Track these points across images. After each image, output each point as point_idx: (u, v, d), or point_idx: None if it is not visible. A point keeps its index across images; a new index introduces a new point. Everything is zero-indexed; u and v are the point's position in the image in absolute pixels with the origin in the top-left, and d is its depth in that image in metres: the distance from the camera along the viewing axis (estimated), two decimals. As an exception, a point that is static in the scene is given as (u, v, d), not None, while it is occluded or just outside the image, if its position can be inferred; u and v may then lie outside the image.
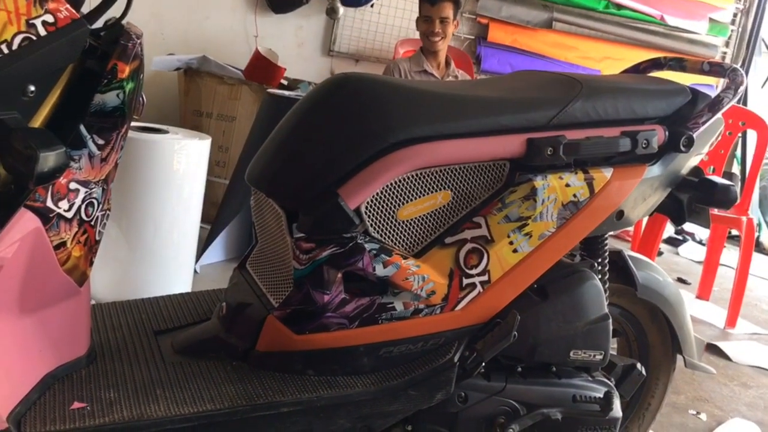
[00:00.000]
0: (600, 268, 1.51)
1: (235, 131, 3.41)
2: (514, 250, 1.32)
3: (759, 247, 5.35)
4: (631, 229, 4.69)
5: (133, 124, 2.52)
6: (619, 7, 4.89)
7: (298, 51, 4.23)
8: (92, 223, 1.13)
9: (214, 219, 2.94)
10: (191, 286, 2.63)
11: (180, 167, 2.37)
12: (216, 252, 3.01)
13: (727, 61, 5.23)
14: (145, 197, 2.34)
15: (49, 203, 1.03)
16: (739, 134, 4.74)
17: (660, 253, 4.75)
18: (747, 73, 5.13)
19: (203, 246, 2.90)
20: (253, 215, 1.44)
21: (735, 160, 5.43)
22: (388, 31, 4.42)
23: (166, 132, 2.45)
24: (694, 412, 2.43)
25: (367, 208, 1.23)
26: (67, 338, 1.18)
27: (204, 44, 3.87)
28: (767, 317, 3.84)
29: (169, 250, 2.46)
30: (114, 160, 1.13)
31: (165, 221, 2.41)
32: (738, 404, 2.58)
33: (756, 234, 4.81)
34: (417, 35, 3.85)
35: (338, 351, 1.26)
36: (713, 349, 3.09)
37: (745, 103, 5.20)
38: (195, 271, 2.83)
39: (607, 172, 1.38)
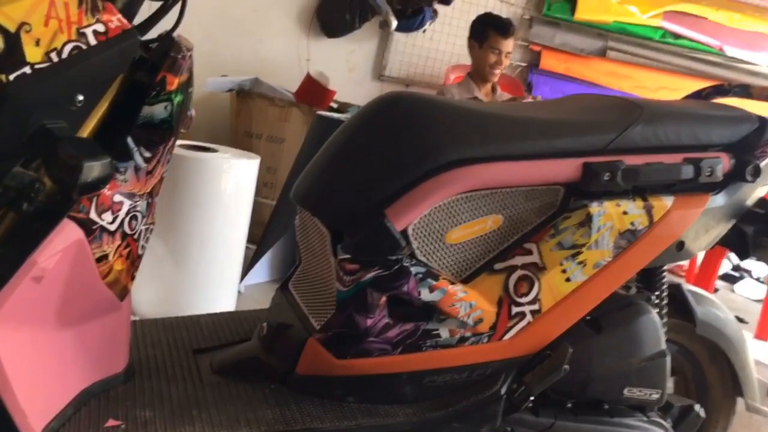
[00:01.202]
0: (658, 301, 1.44)
1: (284, 153, 3.41)
2: (567, 279, 1.26)
3: (822, 287, 5.11)
4: (685, 263, 4.54)
5: (183, 142, 2.56)
6: (676, 36, 4.79)
7: (349, 75, 4.24)
8: (135, 236, 1.11)
9: (259, 239, 2.93)
10: (235, 305, 2.62)
11: (228, 186, 2.37)
12: (261, 272, 3.00)
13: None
14: (192, 215, 2.34)
15: (93, 215, 1.02)
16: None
17: (715, 290, 4.58)
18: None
19: (248, 266, 2.89)
20: (297, 234, 1.41)
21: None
22: (438, 57, 4.41)
23: (215, 151, 2.46)
24: (753, 459, 2.29)
25: (414, 230, 1.19)
26: (105, 353, 1.17)
27: (257, 67, 3.90)
28: (831, 361, 3.64)
29: (214, 269, 2.45)
30: (160, 173, 1.12)
31: (211, 240, 2.40)
32: (800, 452, 2.43)
33: (819, 273, 4.60)
34: (466, 60, 3.82)
35: (380, 378, 1.21)
36: (773, 393, 2.93)
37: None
38: (239, 291, 2.82)
39: (668, 201, 1.32)
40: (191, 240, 2.37)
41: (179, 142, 2.56)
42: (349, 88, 4.07)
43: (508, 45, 3.24)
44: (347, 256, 1.18)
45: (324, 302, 1.27)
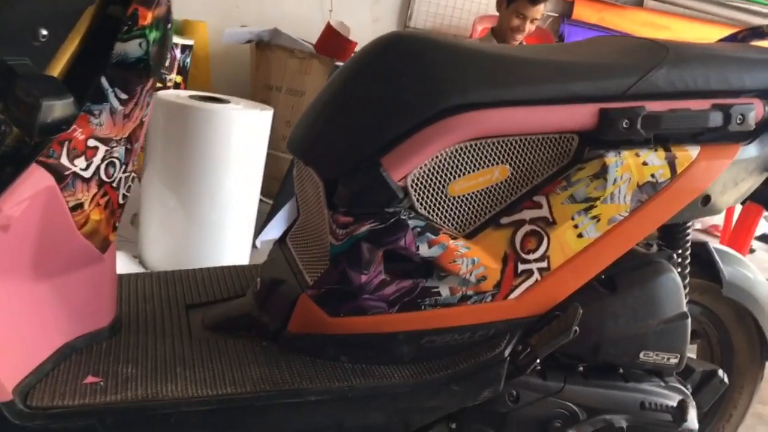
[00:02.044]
0: (680, 260, 1.34)
1: (304, 106, 3.32)
2: (579, 235, 1.17)
3: None
4: (720, 222, 4.38)
5: (193, 93, 2.49)
6: (720, -16, 4.55)
7: (374, 27, 4.11)
8: (114, 184, 1.05)
9: (276, 194, 2.87)
10: (249, 261, 2.57)
11: (239, 139, 2.31)
12: (278, 228, 2.95)
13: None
14: (202, 168, 2.29)
15: (64, 160, 0.95)
16: None
17: (752, 251, 4.42)
18: None
19: (264, 221, 2.84)
20: (295, 186, 1.34)
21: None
22: (466, 7, 4.25)
23: (227, 102, 2.39)
24: (783, 426, 2.20)
25: (413, 181, 1.11)
26: (88, 307, 1.11)
27: (278, 18, 3.80)
28: None
29: (227, 224, 2.41)
30: (138, 117, 1.05)
31: (222, 193, 2.35)
32: (834, 420, 2.32)
33: None
34: (494, 11, 3.67)
35: (375, 337, 1.14)
36: (808, 358, 2.81)
37: None
38: (255, 246, 2.78)
39: (693, 151, 1.21)
40: (202, 193, 2.32)
41: (190, 92, 2.49)
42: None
43: (536, 12, 3.06)
44: (341, 207, 1.11)
45: (318, 257, 1.20)
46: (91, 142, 0.99)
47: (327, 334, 1.14)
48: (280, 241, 1.35)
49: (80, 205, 1.00)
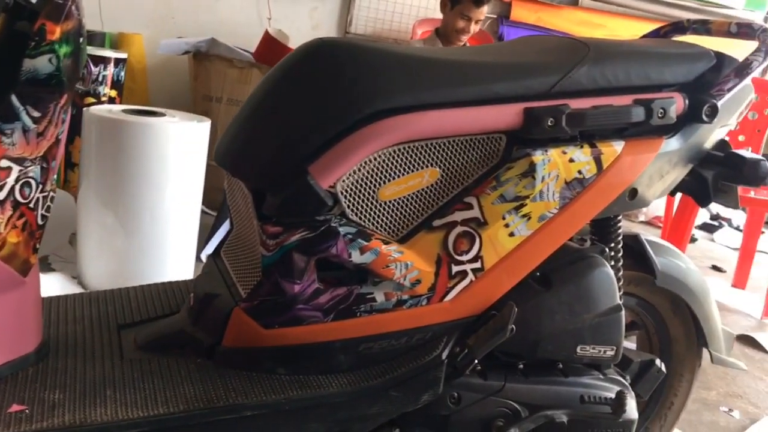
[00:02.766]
0: (612, 253, 1.36)
1: (245, 116, 3.29)
2: (511, 234, 1.18)
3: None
4: (661, 214, 4.49)
5: (127, 107, 2.44)
6: (651, -18, 4.66)
7: (313, 33, 4.09)
8: (31, 205, 1.01)
9: (220, 205, 2.83)
10: (194, 275, 2.53)
11: (177, 152, 2.26)
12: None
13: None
14: (140, 183, 2.23)
15: None
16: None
17: (694, 240, 4.54)
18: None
19: (209, 233, 2.80)
20: (227, 198, 1.32)
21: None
22: (405, 11, 4.26)
23: (162, 115, 2.35)
24: (726, 409, 2.26)
25: (343, 187, 1.10)
26: (11, 333, 1.08)
27: (216, 27, 3.75)
28: (809, 307, 3.61)
29: (169, 239, 2.36)
30: (54, 134, 1.02)
31: (163, 208, 2.30)
32: (775, 401, 2.39)
33: (797, 219, 4.55)
34: (434, 14, 3.68)
35: (311, 347, 1.13)
36: (749, 341, 2.90)
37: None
38: (200, 260, 2.73)
39: (618, 146, 1.23)
40: (141, 208, 2.26)
41: (123, 106, 2.44)
42: (314, 47, 3.93)
43: (480, 14, 3.09)
44: (271, 218, 1.09)
45: (251, 269, 1.18)
46: (4, 163, 0.95)
47: (262, 347, 1.13)
48: (214, 254, 1.33)
49: (-5, 229, 0.97)
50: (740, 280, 3.67)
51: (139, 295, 1.37)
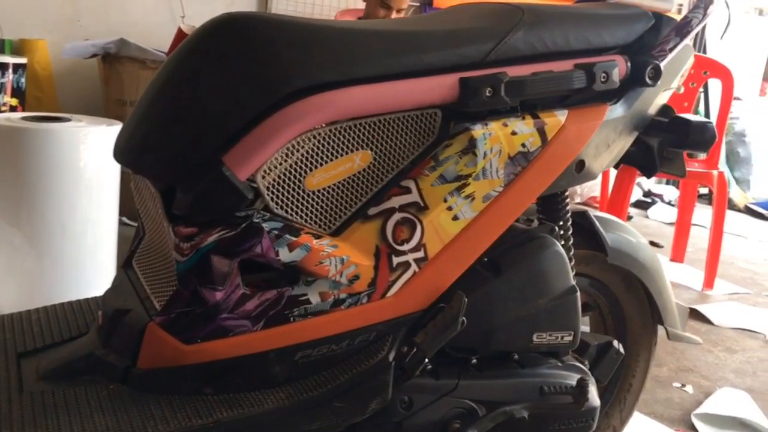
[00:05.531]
0: (562, 232, 1.27)
1: (163, 119, 3.11)
2: (455, 217, 1.07)
3: (729, 204, 5.20)
4: (597, 194, 4.50)
5: (30, 114, 2.23)
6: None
7: (231, 30, 3.92)
8: None
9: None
10: (116, 292, 2.34)
11: (86, 158, 2.08)
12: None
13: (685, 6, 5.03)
14: (48, 196, 2.04)
15: None
16: (702, 85, 4.55)
17: (629, 218, 4.57)
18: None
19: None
20: (135, 200, 1.17)
21: (698, 114, 5.25)
22: (326, 3, 4.14)
23: (67, 120, 2.16)
24: (679, 385, 2.22)
25: (263, 178, 0.97)
26: None
27: (126, 28, 3.55)
28: (745, 275, 3.67)
29: (84, 254, 2.17)
30: None
31: (75, 222, 2.11)
32: (725, 371, 2.38)
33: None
34: (356, 4, 3.58)
35: (241, 360, 1.00)
36: (693, 314, 2.90)
37: (704, 52, 5.02)
38: (123, 275, 2.54)
39: (562, 115, 1.14)
40: (51, 225, 2.07)
41: (24, 114, 2.24)
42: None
43: (401, 2, 2.99)
44: (183, 217, 0.96)
45: (166, 278, 1.04)
46: None
47: (184, 365, 0.98)
48: (126, 265, 1.18)
49: None
50: (678, 254, 3.69)
51: (42, 317, 1.21)
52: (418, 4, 4.38)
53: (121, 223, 2.36)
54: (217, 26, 1.01)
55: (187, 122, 0.97)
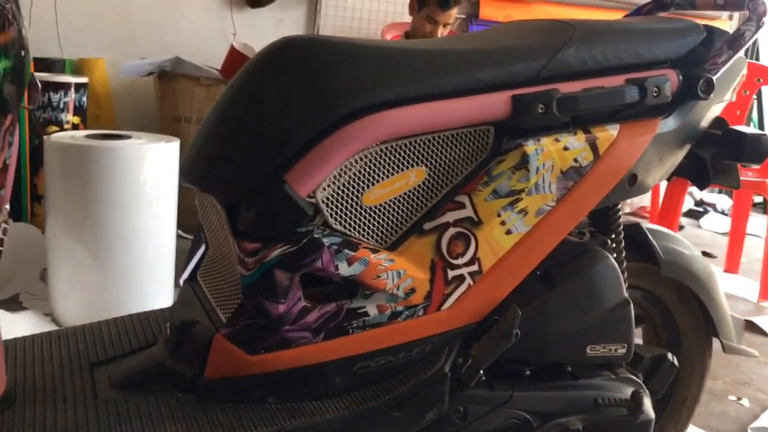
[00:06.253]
0: (614, 245, 1.28)
1: (216, 134, 3.19)
2: (508, 232, 1.10)
3: (785, 212, 5.07)
4: (647, 203, 4.45)
5: (93, 132, 2.33)
6: (618, -28, 4.64)
7: (281, 46, 4.01)
8: (-21, 239, 0.92)
9: (197, 228, 2.73)
10: (173, 302, 2.42)
11: (146, 175, 2.16)
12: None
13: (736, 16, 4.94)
14: (110, 211, 2.13)
15: None
16: (756, 93, 4.46)
17: (681, 227, 4.50)
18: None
19: (186, 258, 2.69)
20: (200, 216, 1.22)
21: (752, 123, 5.15)
22: (373, 17, 4.20)
23: (128, 138, 2.24)
24: (735, 398, 2.19)
25: (323, 195, 1.01)
26: (-30, 383, 0.97)
27: (180, 46, 3.65)
28: (803, 286, 3.57)
29: (144, 267, 2.25)
30: (1, 160, 0.92)
31: (136, 235, 2.19)
32: (782, 385, 2.33)
33: (781, 198, 4.53)
34: (402, 18, 3.61)
35: (303, 371, 1.04)
36: (749, 326, 2.84)
37: (757, 59, 4.92)
38: (179, 286, 2.62)
39: (613, 130, 1.15)
40: (114, 238, 2.16)
41: (87, 132, 2.34)
42: (282, 60, 3.85)
43: (447, 17, 3.01)
44: (247, 233, 1.00)
45: (231, 291, 1.09)
46: (-55, 194, 0.86)
47: (249, 375, 1.03)
48: (190, 279, 1.24)
49: (-60, 268, 0.87)
50: (732, 265, 3.62)
51: (113, 329, 1.27)
52: (464, 16, 4.41)
53: (178, 237, 2.43)
54: (277, 50, 1.06)
55: (250, 142, 1.02)
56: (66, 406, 1.02)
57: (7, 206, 0.99)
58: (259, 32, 3.93)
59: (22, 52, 0.90)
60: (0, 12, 0.85)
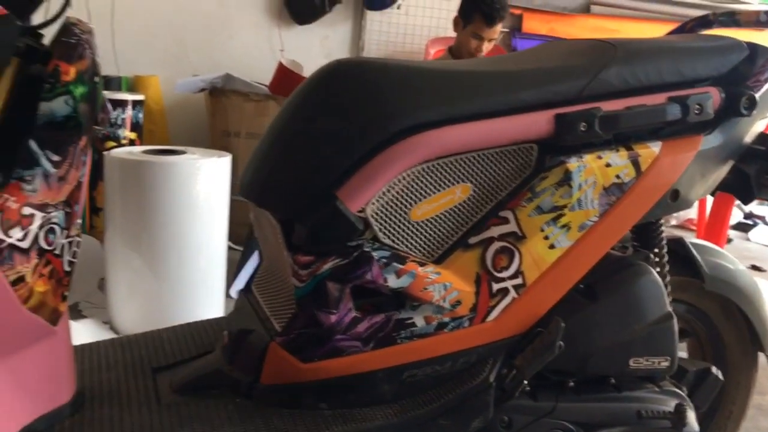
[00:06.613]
0: (657, 259, 1.30)
1: (265, 148, 3.28)
2: (551, 246, 1.13)
3: (839, 225, 4.95)
4: (694, 216, 4.39)
5: (147, 147, 2.43)
6: (662, -17, 4.61)
7: (326, 61, 4.07)
8: (56, 252, 0.99)
9: (245, 240, 2.81)
10: (224, 312, 2.50)
11: (200, 188, 2.25)
12: (250, 275, 2.87)
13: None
14: (165, 223, 2.22)
15: None
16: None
17: (729, 240, 4.43)
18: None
19: (236, 269, 2.77)
20: (254, 230, 1.28)
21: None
22: (417, 32, 4.25)
23: (182, 153, 2.34)
24: (784, 414, 2.16)
25: (373, 210, 1.06)
26: (45, 385, 1.04)
27: (230, 62, 3.77)
28: None
29: (197, 277, 2.33)
30: (75, 178, 0.99)
31: (189, 246, 2.28)
32: (834, 401, 2.29)
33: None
34: (446, 33, 3.66)
35: (353, 378, 1.09)
36: (799, 341, 2.79)
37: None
38: (230, 297, 2.70)
39: (655, 147, 1.18)
40: (168, 249, 2.25)
41: (144, 147, 2.44)
42: (328, 75, 3.93)
43: (493, 33, 3.02)
44: (301, 247, 1.06)
45: (285, 302, 1.15)
46: (26, 210, 0.93)
47: (302, 382, 1.08)
48: (246, 290, 1.29)
49: (21, 279, 0.94)
50: (782, 278, 3.56)
51: (172, 336, 1.34)
52: (507, 30, 4.44)
53: (228, 248, 2.51)
54: (330, 73, 1.12)
55: (304, 161, 1.08)
56: (131, 408, 1.09)
57: (79, 220, 1.06)
58: (306, 48, 4.02)
59: (96, 79, 0.98)
60: (78, 43, 0.93)
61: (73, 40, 0.92)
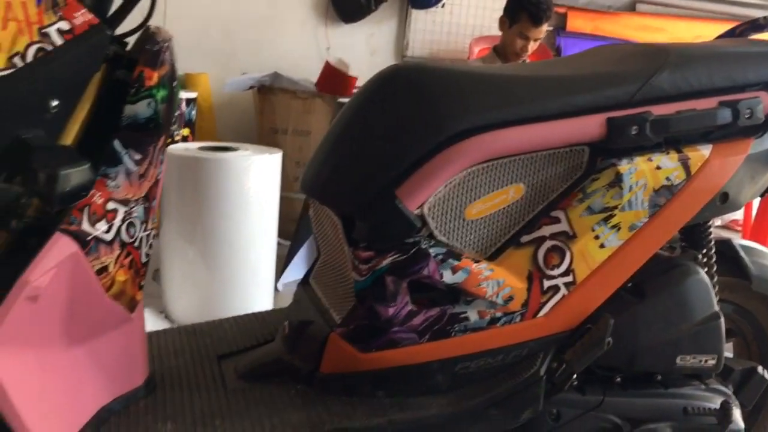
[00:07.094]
0: (705, 260, 1.33)
1: (311, 145, 3.36)
2: (601, 245, 1.17)
3: None
4: (740, 217, 4.34)
5: (202, 144, 2.52)
6: (709, -20, 4.57)
7: (371, 59, 4.15)
8: (136, 244, 1.06)
9: (293, 235, 2.88)
10: (273, 305, 2.57)
11: (251, 184, 2.32)
12: (298, 269, 2.95)
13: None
14: (219, 217, 2.30)
15: (86, 226, 0.97)
16: None
17: (775, 242, 4.37)
18: None
19: (284, 263, 2.85)
20: (313, 226, 1.34)
21: None
22: (461, 31, 4.29)
23: (235, 150, 2.42)
24: (831, 417, 2.15)
25: (430, 209, 1.11)
26: (122, 368, 1.12)
27: (278, 61, 3.85)
28: None
29: (247, 270, 2.41)
30: (154, 175, 1.06)
31: (240, 240, 2.36)
32: None
33: None
34: (490, 31, 3.68)
35: (409, 369, 1.14)
36: None
37: None
38: (277, 290, 2.78)
39: (705, 150, 1.21)
40: (220, 242, 2.33)
41: (199, 144, 2.53)
42: (373, 72, 3.97)
43: (539, 33, 3.02)
44: (361, 243, 1.11)
45: (343, 294, 1.21)
46: (110, 205, 1.00)
47: (360, 371, 1.14)
48: (304, 283, 1.36)
49: (105, 268, 1.01)
50: (830, 281, 3.51)
51: (233, 326, 1.41)
52: (551, 28, 4.44)
53: (277, 243, 2.59)
54: (389, 77, 1.17)
55: (364, 162, 1.13)
56: (200, 392, 1.16)
57: (155, 215, 1.13)
58: (351, 46, 4.08)
59: (174, 83, 1.05)
60: (159, 50, 1.00)
61: (156, 47, 0.99)
